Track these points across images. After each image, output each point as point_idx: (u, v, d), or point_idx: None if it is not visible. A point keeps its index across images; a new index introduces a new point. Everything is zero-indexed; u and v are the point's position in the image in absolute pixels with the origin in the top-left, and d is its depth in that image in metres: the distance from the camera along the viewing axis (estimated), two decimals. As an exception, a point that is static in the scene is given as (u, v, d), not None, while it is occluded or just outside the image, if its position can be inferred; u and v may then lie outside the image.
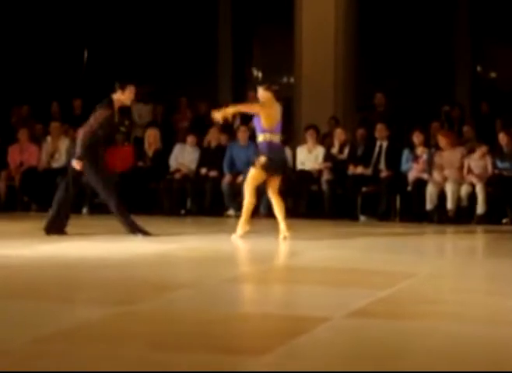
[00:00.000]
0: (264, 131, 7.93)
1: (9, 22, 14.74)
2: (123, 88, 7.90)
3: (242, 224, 8.04)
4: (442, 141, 10.49)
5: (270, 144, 7.89)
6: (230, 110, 8.06)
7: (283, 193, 11.15)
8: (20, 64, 14.77)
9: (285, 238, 7.84)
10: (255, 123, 8.13)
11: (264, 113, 7.90)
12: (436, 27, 15.10)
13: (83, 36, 15.72)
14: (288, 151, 11.38)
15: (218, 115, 7.93)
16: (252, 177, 8.01)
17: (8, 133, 12.51)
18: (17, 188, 11.76)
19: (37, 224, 9.65)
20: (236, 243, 7.82)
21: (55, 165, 11.88)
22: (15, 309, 4.43)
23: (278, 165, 8.01)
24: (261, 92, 8.05)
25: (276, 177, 8.03)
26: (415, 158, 10.66)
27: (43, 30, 15.04)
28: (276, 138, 7.99)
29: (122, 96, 7.92)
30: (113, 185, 8.00)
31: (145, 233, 7.85)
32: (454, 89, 15.05)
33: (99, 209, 11.25)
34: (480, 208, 10.00)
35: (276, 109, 8.02)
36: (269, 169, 7.90)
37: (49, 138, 12.07)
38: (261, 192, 10.94)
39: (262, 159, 7.82)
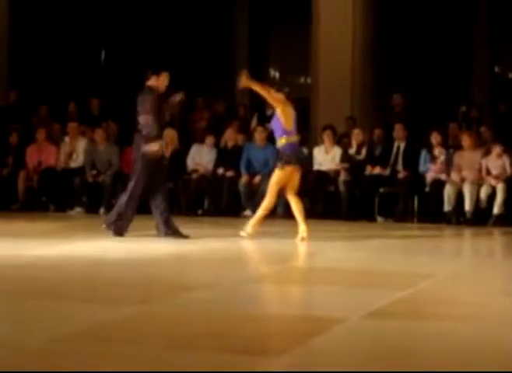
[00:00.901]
0: (284, 133, 7.91)
1: (28, 23, 14.81)
2: (158, 74, 7.87)
3: (254, 224, 8.04)
4: (466, 140, 10.41)
5: (291, 145, 7.93)
6: (254, 85, 7.93)
7: (300, 194, 11.20)
8: (38, 64, 14.84)
9: (303, 239, 7.83)
10: (274, 125, 8.11)
11: (284, 112, 7.88)
12: (454, 28, 15.03)
13: (100, 37, 15.77)
14: (305, 152, 11.36)
15: (243, 80, 7.82)
16: (276, 181, 8.01)
17: (28, 133, 12.59)
18: (35, 188, 11.81)
19: (55, 224, 9.71)
20: (244, 239, 7.82)
21: (73, 165, 11.92)
22: (33, 309, 4.45)
23: (301, 160, 8.07)
24: (276, 95, 8.01)
25: (296, 177, 8.01)
26: (433, 159, 10.61)
27: (61, 31, 15.10)
28: (295, 139, 8.02)
29: (156, 83, 7.88)
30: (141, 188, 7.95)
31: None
32: (471, 90, 14.98)
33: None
34: (497, 209, 9.93)
35: (291, 110, 8.02)
36: (292, 163, 7.91)
37: (67, 138, 12.11)
38: (279, 193, 10.96)
39: (284, 161, 7.84)
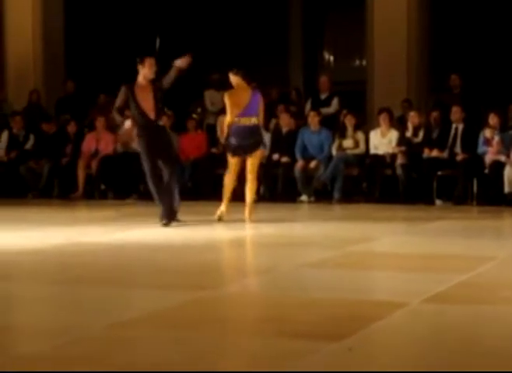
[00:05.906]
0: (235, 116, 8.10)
1: (83, 13, 14.96)
2: (142, 63, 8.16)
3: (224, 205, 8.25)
4: None
5: (236, 128, 8.05)
6: None
7: (356, 178, 11.14)
8: (93, 54, 14.99)
9: (248, 220, 8.02)
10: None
11: (229, 104, 8.04)
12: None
13: (155, 24, 15.85)
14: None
15: None
16: (229, 162, 8.23)
17: (85, 122, 12.75)
18: (94, 176, 11.93)
19: (114, 212, 9.82)
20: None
21: (133, 149, 11.97)
22: (95, 295, 4.51)
23: (243, 148, 8.09)
24: (232, 78, 8.13)
25: (249, 158, 8.12)
26: (487, 141, 10.42)
27: (116, 19, 15.22)
28: (245, 121, 8.09)
29: (142, 71, 8.21)
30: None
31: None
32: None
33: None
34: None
35: (242, 95, 8.08)
36: (233, 152, 8.10)
37: (127, 124, 12.13)
38: (334, 176, 10.91)
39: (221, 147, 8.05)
